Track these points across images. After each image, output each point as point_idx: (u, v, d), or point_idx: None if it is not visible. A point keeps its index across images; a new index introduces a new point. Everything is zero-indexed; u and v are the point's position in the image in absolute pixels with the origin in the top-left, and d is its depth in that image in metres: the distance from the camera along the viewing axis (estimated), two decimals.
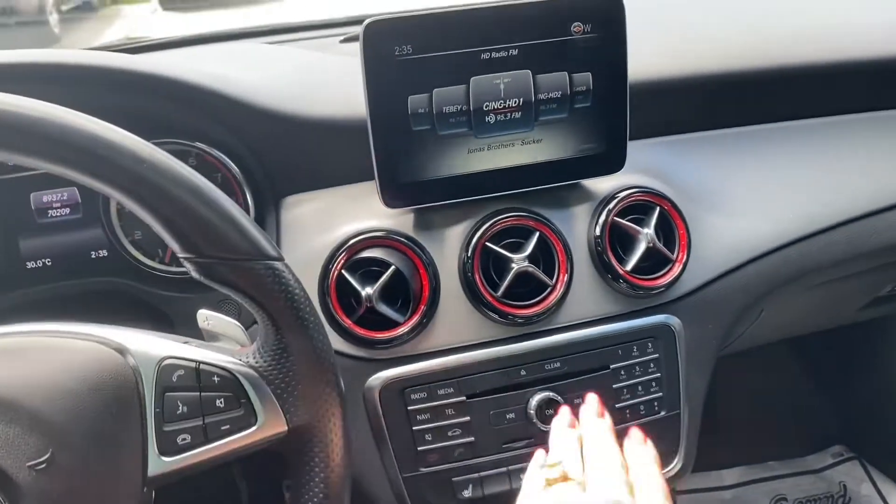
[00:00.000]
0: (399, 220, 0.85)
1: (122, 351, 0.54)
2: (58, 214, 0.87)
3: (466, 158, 0.83)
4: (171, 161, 0.53)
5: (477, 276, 0.83)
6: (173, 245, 0.53)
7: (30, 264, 0.86)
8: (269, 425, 0.55)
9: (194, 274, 0.54)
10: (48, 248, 0.86)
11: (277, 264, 0.55)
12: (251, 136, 0.83)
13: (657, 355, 0.89)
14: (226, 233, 0.53)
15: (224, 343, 0.59)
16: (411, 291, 0.82)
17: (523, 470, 0.68)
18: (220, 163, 0.85)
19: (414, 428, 0.83)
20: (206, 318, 0.60)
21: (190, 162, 0.86)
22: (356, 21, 1.12)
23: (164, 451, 0.54)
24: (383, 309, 0.81)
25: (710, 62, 0.94)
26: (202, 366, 0.55)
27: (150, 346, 0.55)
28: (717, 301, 0.93)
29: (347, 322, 0.81)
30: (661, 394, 0.90)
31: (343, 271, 0.81)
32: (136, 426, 0.53)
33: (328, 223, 0.85)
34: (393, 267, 0.81)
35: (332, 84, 0.91)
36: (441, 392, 0.83)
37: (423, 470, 0.84)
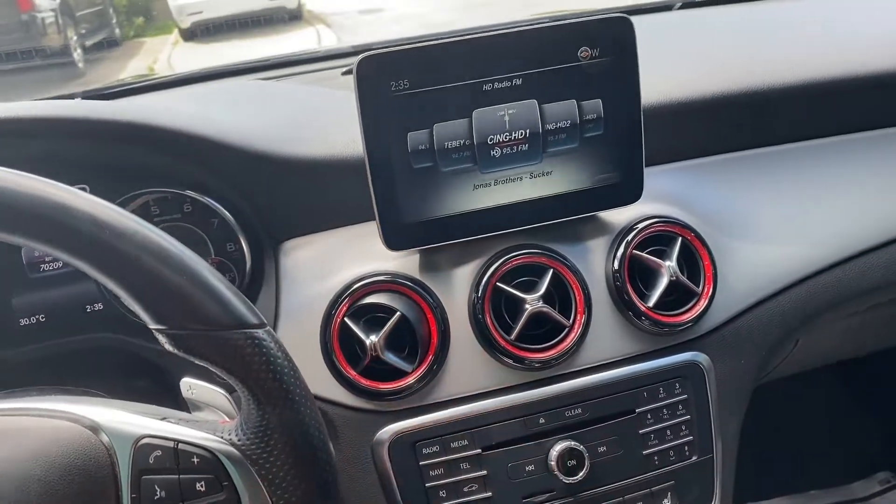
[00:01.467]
0: (403, 262, 0.81)
1: (95, 429, 0.50)
2: (50, 268, 0.84)
3: (472, 195, 0.78)
4: (136, 224, 0.48)
5: (488, 319, 0.79)
6: (143, 316, 0.49)
7: (23, 321, 0.83)
8: None
9: (168, 347, 0.49)
10: (41, 304, 0.83)
11: (258, 332, 0.50)
12: (241, 180, 0.79)
13: (686, 396, 0.84)
14: (199, 301, 0.48)
15: (208, 414, 0.55)
16: (419, 338, 0.78)
17: None
18: (214, 210, 0.81)
19: (427, 484, 0.78)
20: (190, 387, 0.56)
21: (186, 209, 0.83)
22: (361, 51, 1.10)
23: None
24: (389, 358, 0.77)
25: (727, 81, 0.89)
26: (181, 445, 0.50)
27: (125, 423, 0.51)
28: (748, 334, 0.88)
29: (352, 373, 0.77)
30: (691, 437, 0.84)
31: (346, 319, 0.77)
32: None
33: (329, 268, 0.81)
34: (398, 313, 0.76)
35: (329, 121, 0.87)
36: (454, 445, 0.79)
37: None
